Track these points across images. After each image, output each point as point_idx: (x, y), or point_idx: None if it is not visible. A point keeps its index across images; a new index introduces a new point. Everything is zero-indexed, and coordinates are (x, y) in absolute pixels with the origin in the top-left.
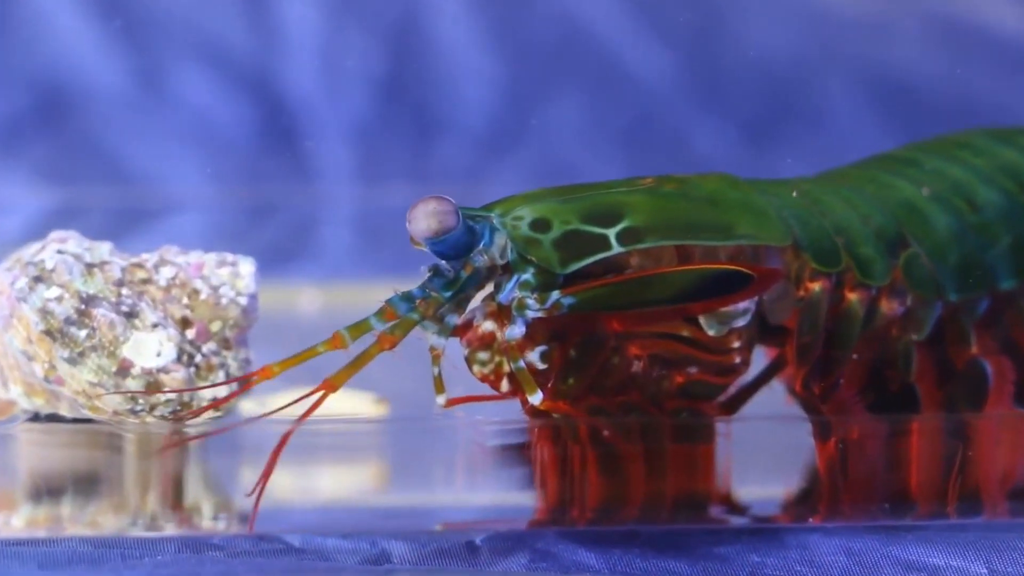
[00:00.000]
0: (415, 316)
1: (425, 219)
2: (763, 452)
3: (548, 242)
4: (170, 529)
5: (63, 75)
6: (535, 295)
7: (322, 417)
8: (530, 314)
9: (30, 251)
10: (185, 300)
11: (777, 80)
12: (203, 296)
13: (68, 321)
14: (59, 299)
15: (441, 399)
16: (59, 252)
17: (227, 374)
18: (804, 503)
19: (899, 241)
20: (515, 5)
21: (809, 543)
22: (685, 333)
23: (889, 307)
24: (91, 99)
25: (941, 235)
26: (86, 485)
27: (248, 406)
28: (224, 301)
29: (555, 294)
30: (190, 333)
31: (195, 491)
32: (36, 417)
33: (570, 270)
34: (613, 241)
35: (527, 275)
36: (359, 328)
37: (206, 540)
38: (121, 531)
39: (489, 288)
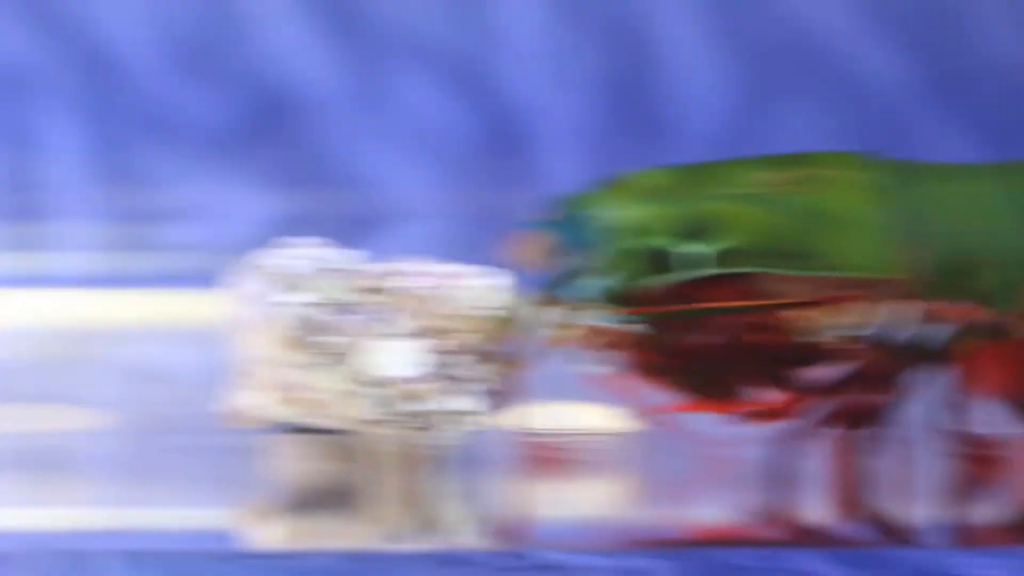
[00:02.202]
0: (537, 319)
1: (526, 262)
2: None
3: (634, 253)
4: (423, 544)
5: (287, 79)
6: (594, 305)
7: (579, 431)
8: (587, 321)
9: (281, 257)
10: (440, 311)
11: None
12: (458, 308)
13: (319, 328)
14: (310, 305)
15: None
16: (311, 259)
17: (479, 388)
18: None
19: None
20: (746, 5)
21: None
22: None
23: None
24: (316, 104)
25: None
26: (339, 498)
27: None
28: (479, 314)
29: (609, 315)
30: (443, 344)
31: (451, 506)
32: (285, 427)
33: (649, 284)
34: (698, 262)
35: (610, 281)
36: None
37: (459, 556)
38: (374, 545)
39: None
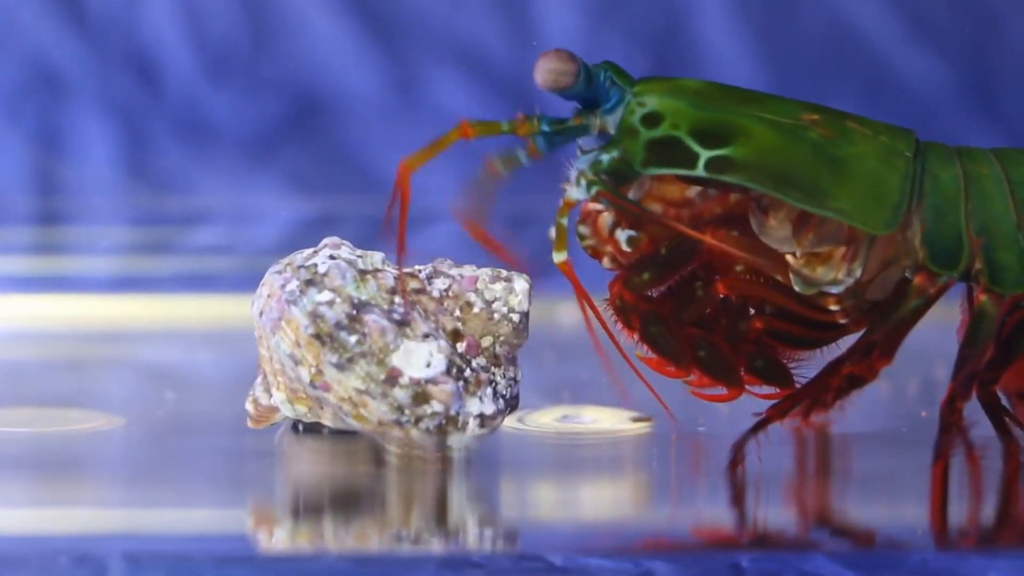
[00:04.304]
0: (504, 126)
1: (542, 73)
2: None
3: (645, 138)
4: (435, 547)
5: (318, 83)
6: (589, 175)
7: (584, 433)
8: (573, 193)
9: (302, 256)
10: (457, 313)
11: None
12: (476, 310)
13: (339, 326)
14: (330, 303)
15: (557, 257)
16: (332, 257)
17: (495, 392)
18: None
19: None
20: (782, 9)
21: None
22: (780, 278)
23: None
24: (346, 107)
25: None
26: (353, 499)
27: (507, 421)
28: (496, 316)
29: (593, 190)
30: (460, 346)
31: (459, 508)
32: (295, 426)
33: (647, 172)
34: (700, 164)
35: (607, 155)
36: (486, 126)
37: (467, 558)
38: (384, 549)
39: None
